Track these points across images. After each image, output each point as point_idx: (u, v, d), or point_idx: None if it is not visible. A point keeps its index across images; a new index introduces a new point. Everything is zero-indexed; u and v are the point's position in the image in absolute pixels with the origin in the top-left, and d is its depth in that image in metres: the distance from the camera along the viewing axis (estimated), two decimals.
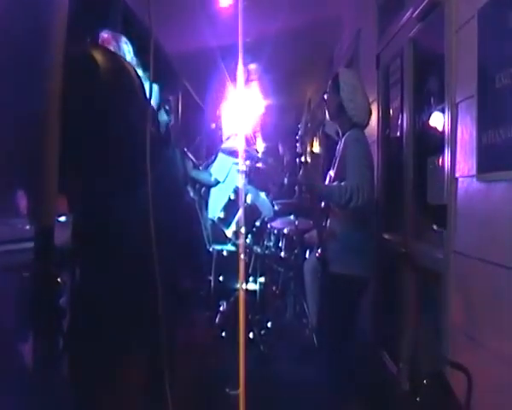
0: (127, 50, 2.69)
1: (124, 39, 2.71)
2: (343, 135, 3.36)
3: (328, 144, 4.75)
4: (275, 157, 6.76)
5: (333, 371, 3.31)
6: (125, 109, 1.98)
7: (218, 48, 7.23)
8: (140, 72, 2.44)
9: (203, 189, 6.06)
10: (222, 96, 7.57)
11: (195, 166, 5.95)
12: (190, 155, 5.87)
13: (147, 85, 2.45)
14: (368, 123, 3.44)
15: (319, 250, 3.47)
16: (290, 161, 6.42)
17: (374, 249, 3.36)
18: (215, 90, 8.31)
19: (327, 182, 3.43)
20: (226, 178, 5.50)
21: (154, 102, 2.49)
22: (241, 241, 5.11)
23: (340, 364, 3.26)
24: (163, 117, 2.56)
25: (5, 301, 2.50)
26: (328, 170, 3.50)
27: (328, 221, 3.40)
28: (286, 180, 6.18)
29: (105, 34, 2.65)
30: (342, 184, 3.09)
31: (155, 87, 2.60)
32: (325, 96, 3.53)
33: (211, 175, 5.63)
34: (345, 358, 3.26)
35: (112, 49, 2.57)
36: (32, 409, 1.11)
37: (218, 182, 5.57)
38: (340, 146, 3.33)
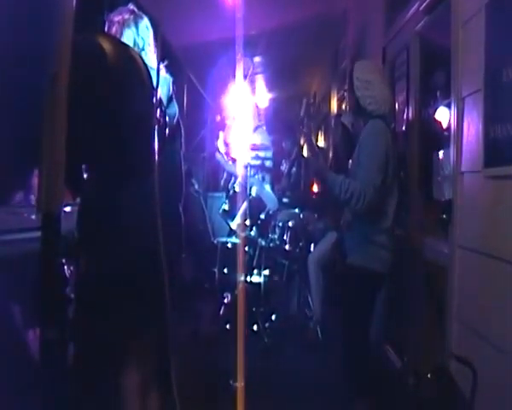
0: (147, 35, 2.58)
1: (145, 22, 2.60)
2: (364, 125, 3.22)
3: (345, 134, 4.69)
4: (279, 150, 6.75)
5: (336, 365, 3.30)
6: (132, 97, 1.99)
7: (222, 40, 7.21)
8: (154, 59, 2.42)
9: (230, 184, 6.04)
10: (226, 88, 7.56)
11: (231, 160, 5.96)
12: (221, 152, 5.87)
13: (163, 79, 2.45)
14: (389, 112, 3.30)
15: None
16: (294, 153, 6.38)
17: (392, 245, 3.22)
18: (220, 83, 8.30)
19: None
20: None
21: (166, 93, 2.48)
22: (242, 233, 5.13)
23: (346, 357, 3.25)
24: (173, 109, 2.54)
25: (12, 291, 2.51)
26: (341, 160, 3.42)
27: (346, 210, 3.33)
28: (294, 169, 6.17)
29: (126, 15, 2.55)
30: (347, 180, 3.01)
31: (169, 78, 2.58)
32: (345, 94, 3.42)
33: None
34: (354, 351, 3.23)
35: (130, 32, 2.51)
36: (39, 397, 1.11)
37: None
38: (360, 136, 3.20)
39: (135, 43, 2.49)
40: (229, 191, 6.02)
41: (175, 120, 2.56)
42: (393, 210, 3.17)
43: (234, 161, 5.99)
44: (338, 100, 8.01)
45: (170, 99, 2.50)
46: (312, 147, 3.25)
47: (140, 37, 2.50)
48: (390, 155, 3.08)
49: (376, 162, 3.01)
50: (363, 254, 3.15)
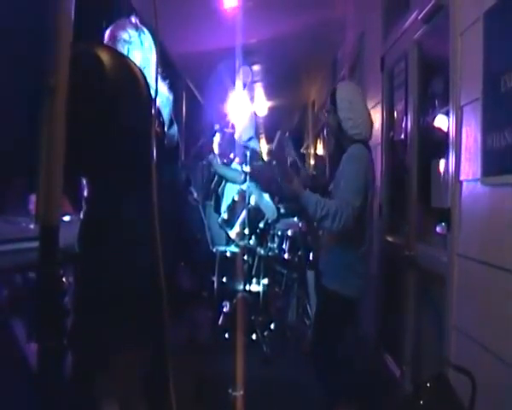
0: (150, 53, 2.50)
1: (148, 39, 2.46)
2: (345, 150, 3.18)
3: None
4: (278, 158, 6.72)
5: (330, 374, 3.27)
6: (130, 109, 1.98)
7: (221, 48, 7.23)
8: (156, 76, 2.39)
9: (219, 188, 6.01)
10: (225, 97, 7.57)
11: (224, 164, 5.91)
12: (216, 154, 5.85)
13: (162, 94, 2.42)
14: (370, 136, 3.28)
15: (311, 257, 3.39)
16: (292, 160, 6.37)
17: (366, 271, 3.22)
18: (218, 91, 8.32)
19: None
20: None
21: (168, 113, 2.45)
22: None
23: (330, 368, 3.23)
24: (174, 128, 2.51)
25: (10, 300, 2.50)
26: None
27: (324, 232, 3.33)
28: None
29: (132, 31, 2.45)
30: (323, 199, 2.96)
31: (171, 98, 2.55)
32: (326, 115, 3.32)
33: (241, 173, 5.55)
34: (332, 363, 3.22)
35: (138, 51, 2.44)
36: (36, 408, 1.11)
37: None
38: (341, 161, 3.17)
39: (141, 61, 2.43)
40: (218, 195, 6.01)
41: (175, 139, 2.54)
42: (370, 237, 3.18)
43: (226, 164, 5.96)
44: None
45: (171, 120, 2.48)
46: (287, 176, 3.09)
47: (145, 56, 2.44)
48: (369, 181, 3.08)
49: (355, 186, 2.99)
50: (336, 279, 3.14)
